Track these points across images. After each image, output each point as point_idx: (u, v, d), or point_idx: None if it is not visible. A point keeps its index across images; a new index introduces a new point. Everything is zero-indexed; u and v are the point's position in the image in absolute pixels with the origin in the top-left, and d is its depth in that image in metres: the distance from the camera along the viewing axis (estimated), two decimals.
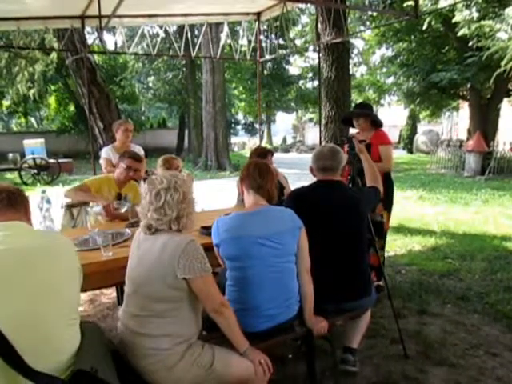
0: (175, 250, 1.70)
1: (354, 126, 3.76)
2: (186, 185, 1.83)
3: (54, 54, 8.20)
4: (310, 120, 31.75)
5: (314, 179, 2.52)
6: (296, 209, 2.16)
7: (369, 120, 3.61)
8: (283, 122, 40.50)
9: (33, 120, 27.95)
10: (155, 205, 1.76)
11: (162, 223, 1.77)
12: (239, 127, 34.93)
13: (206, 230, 2.61)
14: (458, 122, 24.69)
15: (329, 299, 2.27)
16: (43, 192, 2.62)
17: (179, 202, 1.76)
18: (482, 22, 8.92)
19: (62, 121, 22.84)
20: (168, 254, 1.70)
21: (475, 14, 9.12)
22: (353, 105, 5.17)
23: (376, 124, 3.64)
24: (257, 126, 31.91)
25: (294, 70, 28.93)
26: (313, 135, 28.10)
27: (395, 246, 5.21)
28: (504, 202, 8.32)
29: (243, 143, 31.20)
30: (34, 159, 12.59)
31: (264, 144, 21.76)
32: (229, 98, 24.79)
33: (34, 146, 13.42)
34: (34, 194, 2.79)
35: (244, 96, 28.26)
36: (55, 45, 6.96)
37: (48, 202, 2.59)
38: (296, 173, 11.72)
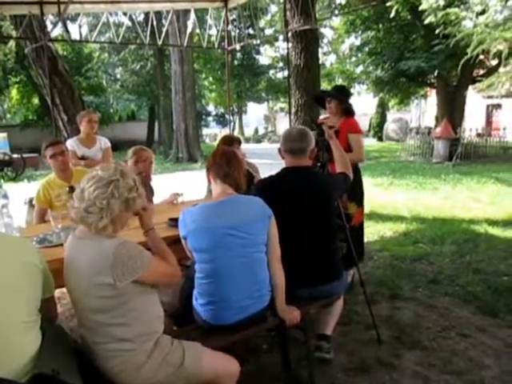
0: (104, 262, 1.53)
1: (325, 108, 3.58)
2: (109, 178, 1.60)
3: (12, 43, 7.82)
4: (282, 109, 31.77)
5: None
6: (264, 198, 2.10)
7: (341, 105, 3.46)
8: (255, 113, 40.42)
9: None
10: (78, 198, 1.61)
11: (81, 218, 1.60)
12: (210, 118, 34.61)
13: (174, 222, 2.53)
14: (426, 109, 25.19)
15: (301, 284, 2.24)
16: None
17: (98, 194, 1.56)
18: (448, 10, 9.03)
19: (25, 114, 22.02)
20: (97, 269, 1.53)
21: (441, 2, 9.22)
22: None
23: (348, 112, 3.48)
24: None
25: (264, 60, 28.84)
26: (284, 125, 28.12)
27: (367, 232, 5.22)
28: (471, 186, 8.53)
29: (215, 135, 30.96)
30: None
31: (236, 135, 21.62)
32: (199, 88, 24.50)
33: None
34: None
35: (214, 87, 27.96)
36: (13, 33, 6.62)
37: (5, 197, 2.43)
38: (268, 163, 11.64)
